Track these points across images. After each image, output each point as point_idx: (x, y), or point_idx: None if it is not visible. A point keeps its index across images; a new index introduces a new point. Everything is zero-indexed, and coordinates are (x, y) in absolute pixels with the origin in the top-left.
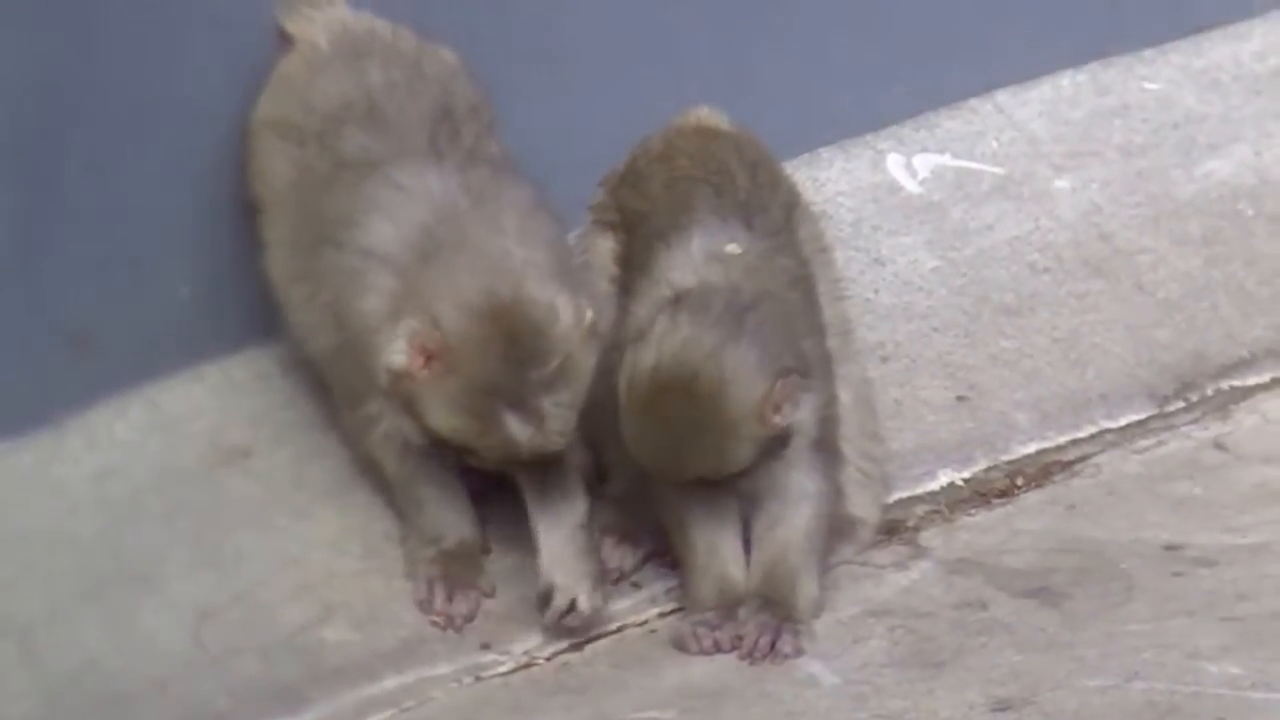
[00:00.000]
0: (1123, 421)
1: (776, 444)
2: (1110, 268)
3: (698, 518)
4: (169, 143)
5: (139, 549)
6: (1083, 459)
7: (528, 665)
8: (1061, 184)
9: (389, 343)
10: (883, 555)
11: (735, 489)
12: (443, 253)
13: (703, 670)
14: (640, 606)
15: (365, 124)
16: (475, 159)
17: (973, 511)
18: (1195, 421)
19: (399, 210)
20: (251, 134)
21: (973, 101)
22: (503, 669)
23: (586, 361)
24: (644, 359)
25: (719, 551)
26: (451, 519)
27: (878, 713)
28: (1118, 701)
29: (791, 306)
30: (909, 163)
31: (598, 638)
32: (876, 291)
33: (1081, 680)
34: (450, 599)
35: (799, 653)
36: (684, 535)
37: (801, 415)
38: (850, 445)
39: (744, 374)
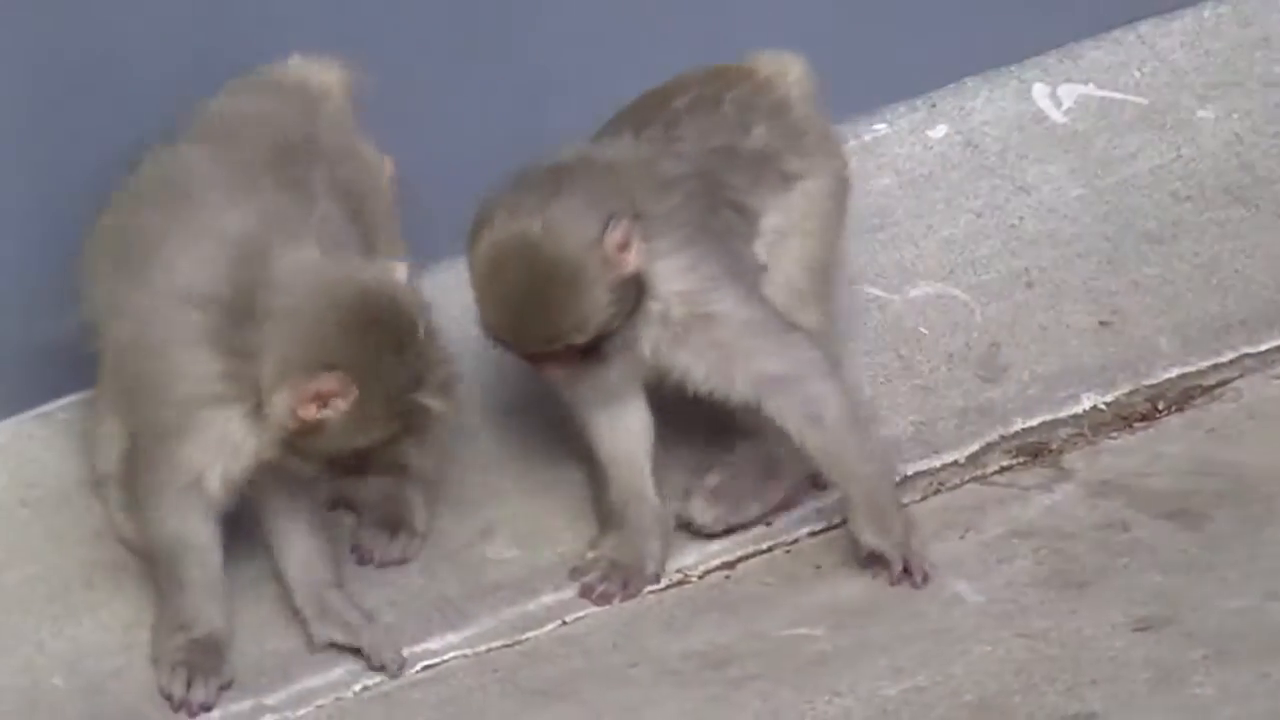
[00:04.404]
0: (1263, 346)
1: (629, 295)
2: (1251, 196)
3: (603, 434)
4: None
5: None
6: (1223, 383)
7: (681, 583)
8: (1204, 114)
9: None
10: (1027, 477)
11: (610, 370)
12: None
13: (851, 589)
14: (791, 526)
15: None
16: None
17: (1115, 435)
18: None
19: None
20: None
21: (1116, 32)
22: (657, 586)
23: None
24: (479, 240)
25: (630, 470)
26: (208, 609)
27: (1022, 631)
28: (1258, 622)
29: (631, 174)
30: (1054, 92)
31: (749, 557)
32: (1021, 219)
33: (1222, 601)
34: (189, 686)
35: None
36: (592, 455)
37: (659, 272)
38: None
39: (573, 216)
